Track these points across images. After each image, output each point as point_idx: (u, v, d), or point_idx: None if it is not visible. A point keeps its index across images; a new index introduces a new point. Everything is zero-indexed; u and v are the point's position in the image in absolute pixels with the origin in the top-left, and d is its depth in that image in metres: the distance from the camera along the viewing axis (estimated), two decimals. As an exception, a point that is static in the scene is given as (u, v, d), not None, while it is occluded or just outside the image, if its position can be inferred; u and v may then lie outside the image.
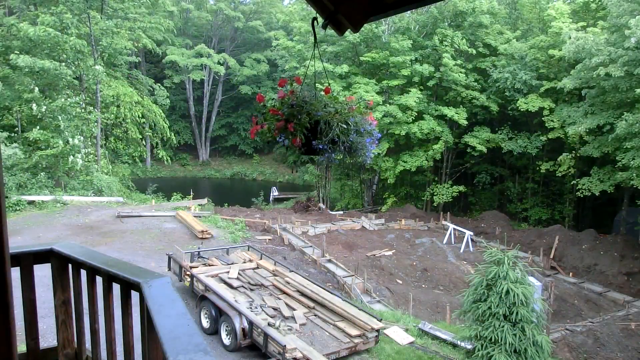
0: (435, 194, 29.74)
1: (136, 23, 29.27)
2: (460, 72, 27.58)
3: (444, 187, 29.83)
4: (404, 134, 27.54)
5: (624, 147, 20.13)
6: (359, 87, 28.01)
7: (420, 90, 28.77)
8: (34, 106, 22.99)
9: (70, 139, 23.53)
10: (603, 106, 22.43)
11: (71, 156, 23.45)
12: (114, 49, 28.04)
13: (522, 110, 26.00)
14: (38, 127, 23.18)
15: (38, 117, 23.85)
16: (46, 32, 23.10)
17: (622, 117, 19.78)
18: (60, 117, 23.45)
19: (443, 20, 29.84)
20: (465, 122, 27.68)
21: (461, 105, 28.45)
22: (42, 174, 23.16)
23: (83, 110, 25.35)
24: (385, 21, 30.92)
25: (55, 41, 23.61)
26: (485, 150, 27.82)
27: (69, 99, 24.05)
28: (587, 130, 22.45)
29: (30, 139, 23.37)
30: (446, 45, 27.85)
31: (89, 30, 26.15)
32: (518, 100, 26.18)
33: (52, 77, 23.80)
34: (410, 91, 27.77)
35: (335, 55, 31.68)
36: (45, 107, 23.18)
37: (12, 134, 24.54)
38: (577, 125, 22.38)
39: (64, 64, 24.29)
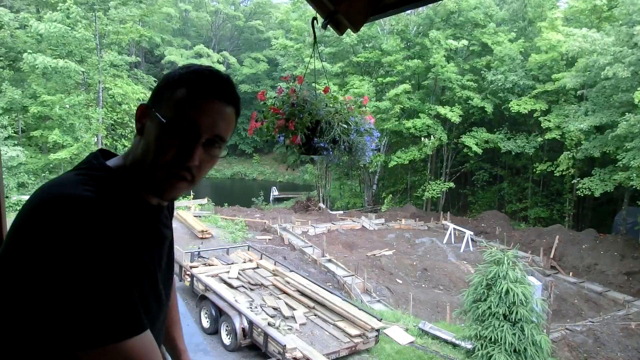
0: (427, 190, 29.84)
1: (135, 18, 29.33)
2: (454, 72, 27.55)
3: (436, 183, 29.96)
4: (391, 126, 27.72)
5: (624, 147, 20.11)
6: (352, 84, 28.24)
7: (411, 86, 28.93)
8: (58, 108, 23.12)
9: (84, 135, 23.70)
10: (605, 105, 22.37)
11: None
12: (119, 45, 28.14)
13: (514, 111, 26.07)
14: (57, 130, 23.34)
15: (52, 117, 24.01)
16: (55, 27, 23.13)
17: (623, 117, 19.75)
18: (72, 117, 23.60)
19: (435, 21, 29.86)
20: (458, 120, 27.69)
21: (456, 104, 28.50)
22: (45, 173, 23.29)
23: (87, 109, 25.44)
24: (384, 22, 31.05)
25: (63, 38, 23.68)
26: (480, 151, 27.86)
27: (78, 97, 24.21)
28: (589, 128, 22.37)
29: (49, 141, 23.51)
30: (437, 48, 27.86)
31: (94, 28, 26.25)
32: (511, 102, 26.25)
33: (64, 76, 23.92)
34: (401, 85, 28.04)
35: (332, 55, 31.83)
36: (65, 107, 23.35)
37: (13, 134, 24.62)
38: (579, 122, 22.36)
39: (70, 60, 24.40)
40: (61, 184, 0.92)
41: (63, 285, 0.82)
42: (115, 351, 0.85)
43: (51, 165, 24.46)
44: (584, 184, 23.16)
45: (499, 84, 26.47)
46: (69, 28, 24.09)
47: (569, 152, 24.55)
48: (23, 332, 0.88)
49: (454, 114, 27.34)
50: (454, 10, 28.87)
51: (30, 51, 23.54)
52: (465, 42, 28.15)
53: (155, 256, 1.05)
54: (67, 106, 23.65)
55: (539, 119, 25.59)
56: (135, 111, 1.06)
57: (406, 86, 27.69)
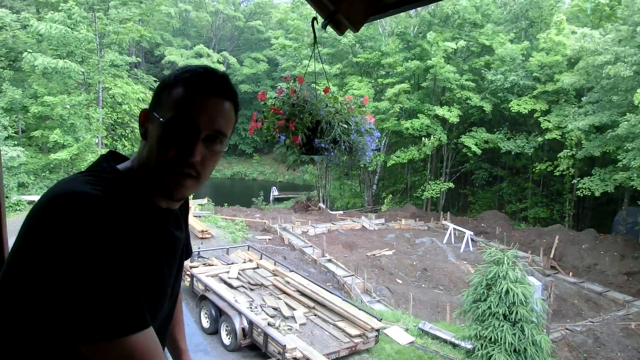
0: (426, 189, 29.88)
1: (134, 17, 29.36)
2: (452, 71, 27.53)
3: (435, 183, 29.99)
4: (390, 125, 27.83)
5: (625, 147, 20.08)
6: (351, 85, 28.27)
7: (410, 86, 28.92)
8: (60, 108, 23.16)
9: (85, 135, 23.76)
10: (606, 106, 22.26)
11: (90, 154, 23.69)
12: (119, 45, 28.19)
13: (514, 111, 26.00)
14: (58, 130, 23.40)
15: (52, 117, 24.04)
16: (57, 29, 23.19)
17: (624, 117, 19.70)
18: (73, 117, 23.64)
19: (434, 22, 29.80)
20: (456, 120, 27.69)
21: (454, 104, 28.50)
22: (45, 173, 23.31)
23: (87, 109, 25.47)
24: (385, 23, 31.06)
25: (64, 39, 23.72)
26: (479, 151, 27.83)
27: (78, 98, 24.25)
28: (589, 127, 22.29)
29: (50, 140, 23.56)
30: (436, 50, 27.83)
31: (94, 28, 26.30)
32: (511, 101, 26.19)
33: (64, 76, 23.95)
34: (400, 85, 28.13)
35: (331, 56, 31.91)
36: (66, 107, 23.38)
37: (13, 135, 24.63)
38: (577, 122, 22.32)
39: (71, 60, 24.44)
40: (70, 183, 0.95)
41: (66, 279, 0.84)
42: (116, 346, 0.87)
43: (51, 165, 24.49)
44: (584, 183, 23.13)
45: (499, 84, 26.45)
46: (70, 29, 24.11)
47: (568, 151, 24.49)
48: (27, 325, 0.90)
49: (452, 114, 27.35)
50: (452, 12, 28.85)
51: (30, 51, 23.55)
52: (463, 43, 28.12)
53: (163, 257, 1.06)
54: (68, 106, 23.68)
55: (539, 119, 25.57)
56: (135, 111, 1.08)
57: (404, 85, 27.73)
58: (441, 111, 27.74)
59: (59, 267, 0.84)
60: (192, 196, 27.18)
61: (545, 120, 25.24)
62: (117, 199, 0.93)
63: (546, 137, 25.59)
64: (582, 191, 23.32)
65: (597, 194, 22.71)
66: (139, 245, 0.95)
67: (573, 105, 25.06)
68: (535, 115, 25.74)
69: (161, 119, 0.99)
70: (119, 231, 0.89)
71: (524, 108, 25.54)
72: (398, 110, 27.95)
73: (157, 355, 0.93)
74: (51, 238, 0.85)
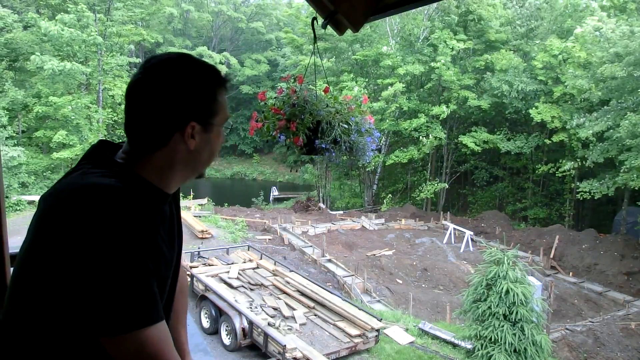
0: (422, 191, 29.85)
1: (136, 17, 29.40)
2: (454, 74, 27.43)
3: (431, 184, 29.97)
4: (388, 126, 27.85)
5: (627, 147, 19.98)
6: (346, 85, 28.29)
7: (407, 85, 28.96)
8: (66, 109, 23.23)
9: (89, 135, 23.81)
10: (613, 107, 21.91)
11: None
12: (120, 47, 28.24)
13: (537, 120, 25.35)
14: (63, 130, 23.45)
15: (54, 118, 24.09)
16: (67, 31, 23.26)
17: (625, 117, 19.58)
18: (77, 118, 23.70)
19: (451, 24, 29.61)
20: (445, 114, 27.62)
21: (451, 101, 28.44)
22: (47, 173, 23.35)
23: (87, 109, 25.51)
24: (393, 26, 31.06)
25: (72, 41, 23.80)
26: (477, 149, 27.70)
27: (82, 99, 24.31)
28: (598, 132, 22.03)
29: (54, 141, 23.61)
30: (443, 48, 27.70)
31: (99, 29, 26.36)
32: (531, 109, 25.81)
33: (69, 77, 24.02)
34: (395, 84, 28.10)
35: (328, 50, 31.83)
36: (68, 107, 23.41)
37: (14, 135, 24.65)
38: (587, 129, 22.04)
39: (75, 61, 24.49)
40: (86, 176, 0.95)
41: (89, 272, 0.85)
42: (132, 338, 0.88)
43: (52, 165, 24.51)
44: (584, 187, 22.99)
45: (505, 92, 26.23)
46: (79, 31, 24.13)
47: (573, 162, 24.28)
48: (46, 318, 0.91)
49: (444, 110, 27.32)
50: (473, 18, 28.80)
51: (38, 54, 23.57)
52: (471, 43, 28.02)
53: (175, 245, 1.10)
54: (70, 107, 23.70)
55: (544, 119, 25.30)
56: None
57: (400, 85, 27.66)
58: (436, 109, 27.75)
59: (80, 261, 0.85)
60: (192, 196, 27.24)
61: (550, 122, 25.01)
62: (135, 190, 0.95)
63: (553, 139, 25.39)
64: (582, 194, 23.20)
65: (596, 197, 22.55)
66: (156, 237, 0.96)
67: (575, 106, 24.88)
68: (554, 123, 25.31)
69: (221, 126, 1.10)
70: (141, 222, 0.91)
71: (545, 117, 25.04)
72: (394, 109, 27.92)
73: (170, 349, 0.95)
74: (72, 230, 0.86)
